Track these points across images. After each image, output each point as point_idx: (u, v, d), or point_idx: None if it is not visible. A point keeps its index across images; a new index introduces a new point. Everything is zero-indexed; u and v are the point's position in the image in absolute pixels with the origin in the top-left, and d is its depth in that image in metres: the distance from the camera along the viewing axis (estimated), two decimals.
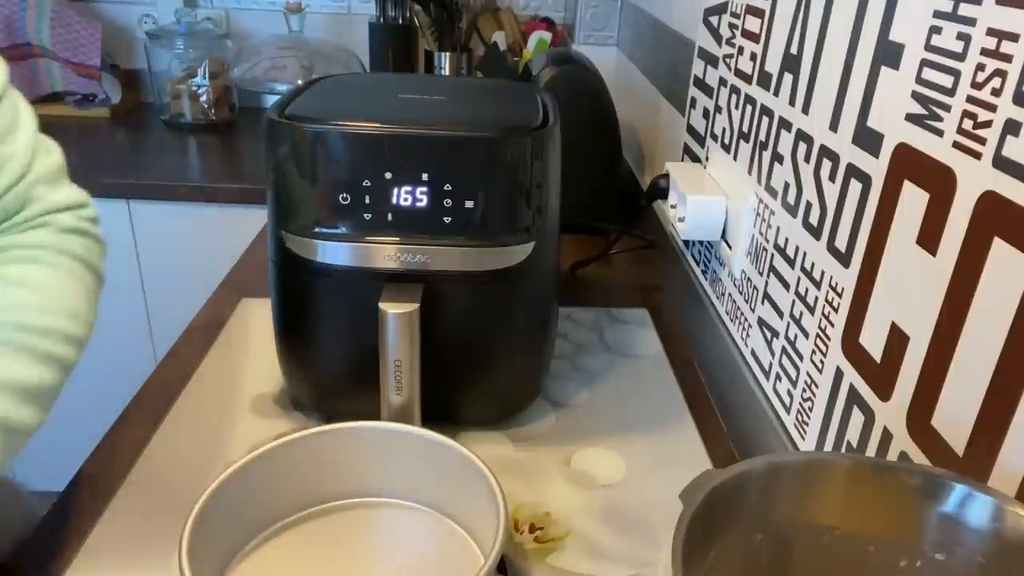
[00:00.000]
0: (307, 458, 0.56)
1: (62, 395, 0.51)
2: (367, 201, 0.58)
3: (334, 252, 0.60)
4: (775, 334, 0.64)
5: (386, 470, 0.58)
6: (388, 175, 0.58)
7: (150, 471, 0.63)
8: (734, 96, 0.75)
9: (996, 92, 0.37)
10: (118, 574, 0.53)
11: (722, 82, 0.79)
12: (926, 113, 0.43)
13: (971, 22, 0.39)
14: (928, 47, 0.43)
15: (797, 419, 0.59)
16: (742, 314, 0.72)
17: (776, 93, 0.65)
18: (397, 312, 0.58)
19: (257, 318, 0.86)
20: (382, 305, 0.58)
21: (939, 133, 0.42)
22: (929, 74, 0.43)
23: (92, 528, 0.57)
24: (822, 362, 0.55)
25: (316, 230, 0.60)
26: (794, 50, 0.61)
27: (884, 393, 0.47)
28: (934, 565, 0.36)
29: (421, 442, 0.56)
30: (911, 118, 0.45)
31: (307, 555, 0.54)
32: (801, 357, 0.59)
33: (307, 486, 0.57)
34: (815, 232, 0.57)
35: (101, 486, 0.61)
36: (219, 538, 0.51)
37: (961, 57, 0.40)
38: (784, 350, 0.62)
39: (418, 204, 0.58)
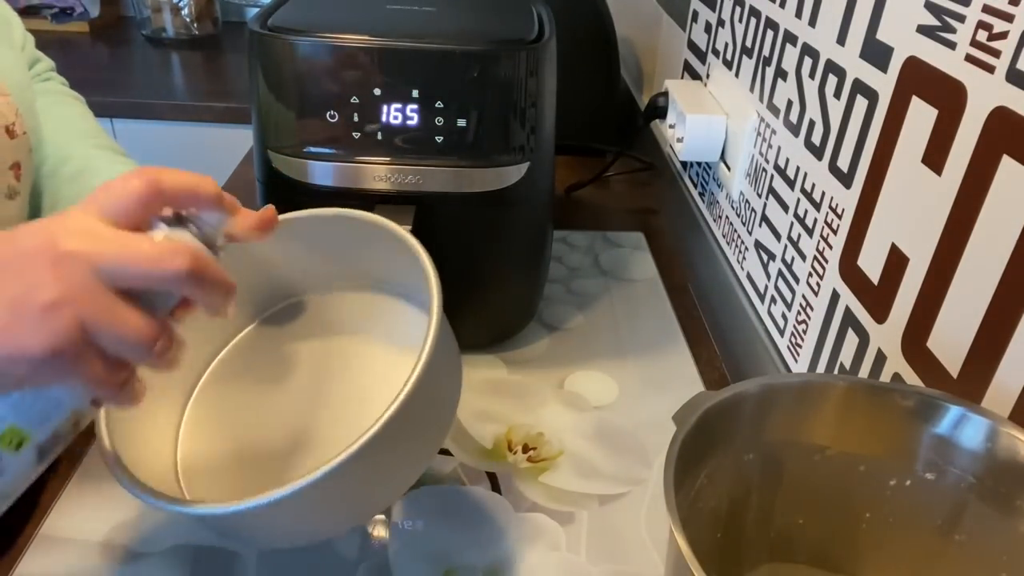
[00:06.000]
0: (241, 266, 0.47)
1: None
2: (355, 119, 0.56)
3: (323, 172, 0.58)
4: (772, 257, 0.63)
5: (310, 264, 0.53)
6: (376, 91, 0.55)
7: None
8: (738, 8, 0.72)
9: (1014, 0, 0.35)
10: None
11: None
12: (939, 24, 0.41)
13: None
14: None
15: (791, 342, 0.59)
16: (739, 237, 0.71)
17: (782, 5, 0.62)
18: None
19: None
20: None
21: (951, 46, 0.40)
22: None
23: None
24: (818, 284, 0.55)
25: (303, 149, 0.58)
26: None
27: (880, 315, 0.47)
28: (923, 484, 0.36)
29: (334, 224, 0.51)
30: (923, 30, 0.43)
31: (267, 359, 0.52)
32: (797, 280, 0.58)
33: (247, 295, 0.50)
34: (817, 152, 0.55)
35: None
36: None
37: None
38: (780, 273, 0.61)
39: (409, 122, 0.56)
